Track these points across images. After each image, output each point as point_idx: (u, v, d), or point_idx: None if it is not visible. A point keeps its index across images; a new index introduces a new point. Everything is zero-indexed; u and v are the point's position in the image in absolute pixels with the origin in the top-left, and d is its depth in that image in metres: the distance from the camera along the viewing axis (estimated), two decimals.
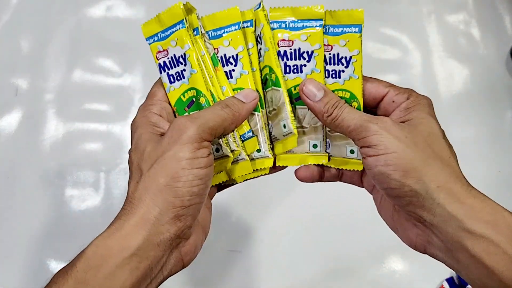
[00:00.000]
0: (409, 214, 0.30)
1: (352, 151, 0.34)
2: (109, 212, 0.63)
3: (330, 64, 0.35)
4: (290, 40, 0.34)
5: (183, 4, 0.35)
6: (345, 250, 0.64)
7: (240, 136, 0.34)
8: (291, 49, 0.34)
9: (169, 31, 0.34)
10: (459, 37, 0.78)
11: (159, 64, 0.34)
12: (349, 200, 0.66)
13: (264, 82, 0.35)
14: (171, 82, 0.34)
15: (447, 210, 0.28)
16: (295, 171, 0.36)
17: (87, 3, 0.75)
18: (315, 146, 0.36)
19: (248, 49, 0.35)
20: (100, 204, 0.63)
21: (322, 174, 0.37)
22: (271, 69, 0.34)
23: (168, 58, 0.34)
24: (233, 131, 0.33)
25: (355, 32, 0.34)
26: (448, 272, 0.63)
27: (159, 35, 0.35)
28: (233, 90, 0.35)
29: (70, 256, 0.65)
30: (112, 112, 0.69)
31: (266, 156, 0.35)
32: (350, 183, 0.37)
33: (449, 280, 0.62)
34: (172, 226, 0.28)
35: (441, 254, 0.29)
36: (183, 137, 0.29)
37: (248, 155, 0.34)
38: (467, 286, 0.61)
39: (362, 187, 0.37)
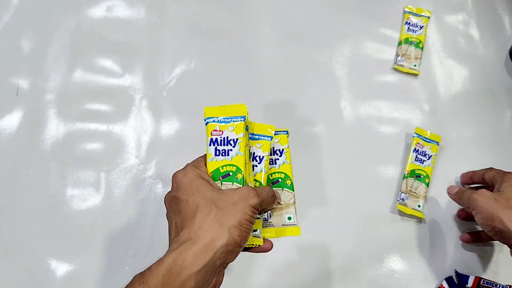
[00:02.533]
0: (505, 243, 0.51)
1: (289, 218, 0.49)
2: (110, 212, 0.63)
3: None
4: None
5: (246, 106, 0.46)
6: (344, 249, 0.64)
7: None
8: (221, 137, 0.44)
9: (231, 119, 0.45)
10: (459, 37, 0.78)
11: (211, 139, 0.45)
12: (349, 200, 0.67)
13: (273, 182, 0.50)
14: (216, 155, 0.44)
15: None
16: (461, 237, 0.64)
17: (88, 4, 0.75)
18: (289, 218, 0.50)
19: (263, 154, 0.47)
20: (100, 204, 0.63)
21: (480, 237, 0.64)
22: (286, 175, 0.48)
23: (221, 137, 0.44)
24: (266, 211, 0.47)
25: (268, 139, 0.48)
26: (448, 272, 0.64)
27: (220, 119, 0.45)
28: (254, 180, 0.47)
29: (70, 256, 0.65)
30: (112, 112, 0.69)
31: (259, 237, 0.45)
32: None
33: (449, 280, 0.62)
34: (226, 256, 0.38)
35: None
36: (250, 201, 0.40)
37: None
38: (467, 286, 0.61)
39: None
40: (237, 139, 0.44)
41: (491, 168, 0.60)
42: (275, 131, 0.50)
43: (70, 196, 0.63)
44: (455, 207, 0.67)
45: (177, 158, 0.67)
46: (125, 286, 0.36)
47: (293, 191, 0.50)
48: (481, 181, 0.61)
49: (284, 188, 0.50)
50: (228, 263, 0.39)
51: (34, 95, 0.69)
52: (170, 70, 0.72)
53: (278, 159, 0.50)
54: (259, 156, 0.48)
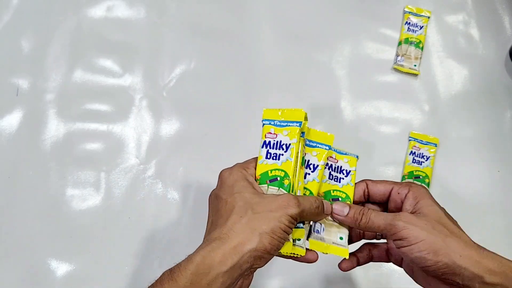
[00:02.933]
0: (445, 280, 0.39)
1: (341, 238, 0.44)
2: (110, 212, 0.63)
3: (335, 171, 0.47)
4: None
5: (305, 112, 0.45)
6: None
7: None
8: (274, 140, 0.44)
9: (287, 123, 0.44)
10: (458, 37, 0.78)
11: (265, 141, 0.44)
12: None
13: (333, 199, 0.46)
14: (266, 158, 0.43)
15: (471, 271, 0.37)
16: (339, 265, 0.46)
17: (88, 4, 0.75)
18: (341, 238, 0.44)
19: (318, 163, 0.45)
20: (100, 204, 0.63)
21: (358, 261, 0.47)
22: (347, 196, 0.45)
23: (274, 140, 0.44)
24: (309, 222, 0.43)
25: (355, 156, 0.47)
26: None
27: (276, 122, 0.45)
28: (304, 188, 0.44)
29: (70, 256, 0.65)
30: (112, 112, 0.69)
31: (302, 247, 0.42)
32: (380, 261, 0.48)
33: None
34: (254, 261, 0.37)
35: None
36: (289, 210, 0.38)
37: (292, 239, 0.42)
38: None
39: (390, 262, 0.47)
40: (289, 144, 0.43)
41: (369, 179, 0.46)
42: (346, 152, 0.48)
43: (70, 196, 0.63)
44: (455, 207, 0.67)
45: (177, 158, 0.67)
46: (154, 282, 0.37)
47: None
48: (363, 197, 0.46)
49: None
50: (256, 268, 0.39)
51: (34, 95, 0.69)
52: (170, 70, 0.72)
53: (309, 174, 0.46)
54: (313, 164, 0.46)
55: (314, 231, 0.44)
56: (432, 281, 0.41)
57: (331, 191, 0.44)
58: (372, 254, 0.47)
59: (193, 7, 0.76)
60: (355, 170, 0.45)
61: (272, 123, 0.45)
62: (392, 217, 0.40)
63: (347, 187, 0.44)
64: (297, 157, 0.43)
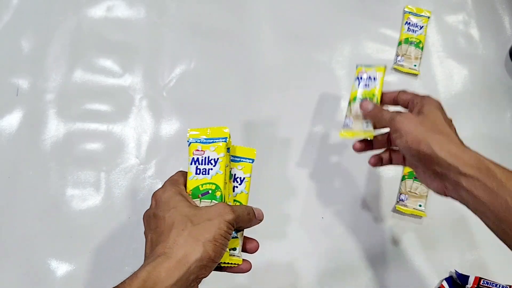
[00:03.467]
0: (428, 169, 0.45)
1: (367, 125, 0.53)
2: (110, 212, 0.63)
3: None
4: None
5: (228, 129, 0.48)
6: (344, 249, 0.64)
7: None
8: (202, 156, 0.46)
9: (213, 140, 0.47)
10: (459, 37, 0.78)
11: (193, 158, 0.46)
12: (349, 200, 0.67)
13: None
14: (196, 174, 0.45)
15: (447, 162, 0.42)
16: (353, 145, 0.55)
17: (88, 4, 0.75)
18: (367, 125, 0.54)
19: (244, 176, 0.49)
20: (100, 204, 0.63)
21: (381, 160, 0.54)
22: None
23: (202, 156, 0.46)
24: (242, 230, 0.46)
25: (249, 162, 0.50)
26: (448, 272, 0.64)
27: (202, 139, 0.47)
28: (234, 201, 0.48)
29: (70, 256, 0.65)
30: (112, 112, 0.69)
31: (238, 256, 0.46)
32: (397, 164, 0.54)
33: (449, 280, 0.62)
34: (200, 271, 0.38)
35: (453, 194, 0.45)
36: (225, 216, 0.41)
37: (229, 249, 0.45)
38: (467, 286, 0.61)
39: (405, 166, 0.54)
40: (217, 158, 0.46)
41: (403, 90, 0.53)
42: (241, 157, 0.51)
43: (70, 196, 0.63)
44: (456, 207, 0.67)
45: (177, 158, 0.67)
46: None
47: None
48: (392, 103, 0.55)
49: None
50: (202, 278, 0.39)
51: (34, 95, 0.69)
52: (170, 70, 0.72)
53: (236, 187, 0.50)
54: (240, 178, 0.50)
55: (344, 125, 0.54)
56: (428, 175, 0.46)
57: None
58: (392, 157, 0.54)
59: (193, 7, 0.76)
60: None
61: (198, 141, 0.47)
62: (395, 113, 0.48)
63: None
64: (225, 170, 0.46)
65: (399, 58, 0.74)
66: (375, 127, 0.54)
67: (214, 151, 0.46)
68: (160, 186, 0.64)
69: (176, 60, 0.73)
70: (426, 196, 0.66)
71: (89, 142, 0.67)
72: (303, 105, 0.71)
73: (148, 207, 0.44)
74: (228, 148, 0.48)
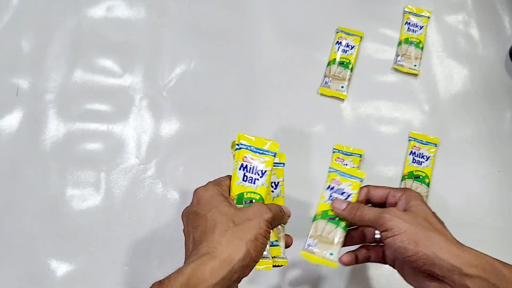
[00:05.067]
0: (426, 272, 0.41)
1: (331, 254, 0.47)
2: (110, 212, 0.63)
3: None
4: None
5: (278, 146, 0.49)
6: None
7: (270, 241, 0.48)
8: (251, 165, 0.47)
9: (263, 151, 0.48)
10: (458, 37, 0.78)
11: (242, 164, 0.47)
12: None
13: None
14: (243, 180, 0.47)
15: (450, 263, 0.40)
16: (340, 258, 0.49)
17: (88, 4, 0.75)
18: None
19: (278, 180, 0.52)
20: (100, 204, 0.63)
21: (357, 258, 0.50)
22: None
23: (251, 165, 0.47)
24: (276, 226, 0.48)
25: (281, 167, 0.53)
26: None
27: (253, 148, 0.48)
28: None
29: (70, 256, 0.65)
30: (112, 112, 0.69)
31: (283, 258, 0.49)
32: (377, 262, 0.51)
33: None
34: (242, 271, 0.39)
35: None
36: (264, 216, 0.42)
37: (272, 257, 0.47)
38: None
39: (386, 263, 0.50)
40: (265, 171, 0.47)
41: (371, 186, 0.50)
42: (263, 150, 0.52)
43: (70, 196, 0.63)
44: (456, 207, 0.67)
45: (177, 158, 0.67)
46: None
47: (284, 225, 0.52)
48: (365, 200, 0.49)
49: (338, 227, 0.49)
50: (243, 277, 0.40)
51: (34, 95, 0.69)
52: (170, 70, 0.72)
53: (272, 191, 0.52)
54: (274, 182, 0.52)
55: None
56: (419, 277, 0.43)
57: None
58: (369, 254, 0.50)
59: (193, 7, 0.76)
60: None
61: (249, 148, 0.48)
62: (381, 210, 0.44)
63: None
64: (269, 182, 0.48)
65: (399, 58, 0.74)
66: (354, 241, 0.50)
67: (263, 163, 0.47)
68: (160, 186, 0.65)
69: (176, 60, 0.73)
70: (426, 196, 0.66)
71: (89, 142, 0.67)
72: (303, 105, 0.71)
73: (189, 204, 0.45)
74: (281, 164, 0.50)
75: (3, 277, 0.59)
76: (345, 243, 0.49)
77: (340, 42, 0.74)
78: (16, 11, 0.73)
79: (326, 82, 0.71)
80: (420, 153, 0.68)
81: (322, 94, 0.71)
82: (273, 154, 0.48)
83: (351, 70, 0.73)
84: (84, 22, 0.73)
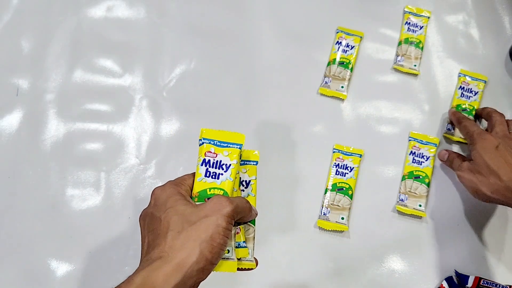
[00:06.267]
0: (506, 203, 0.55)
1: (342, 218, 0.55)
2: (110, 212, 0.63)
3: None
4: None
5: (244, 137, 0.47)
6: (344, 249, 0.64)
7: (236, 242, 0.45)
8: (214, 159, 0.45)
9: (227, 144, 0.45)
10: (458, 37, 0.78)
11: (204, 159, 0.45)
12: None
13: None
14: (205, 176, 0.44)
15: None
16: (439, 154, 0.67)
17: (88, 4, 0.75)
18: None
19: (250, 178, 0.48)
20: (100, 204, 0.63)
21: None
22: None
23: (214, 159, 0.44)
24: (245, 223, 0.45)
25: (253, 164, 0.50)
26: (448, 272, 0.64)
27: (216, 142, 0.45)
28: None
29: (70, 256, 0.65)
30: (112, 112, 0.69)
31: (251, 261, 0.46)
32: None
33: (449, 280, 0.62)
34: (198, 275, 0.36)
35: None
36: (223, 211, 0.38)
37: (237, 259, 0.44)
38: (467, 286, 0.61)
39: None
40: (230, 164, 0.44)
41: (484, 108, 0.66)
42: (244, 160, 0.50)
43: (70, 196, 0.64)
44: (456, 207, 0.67)
45: (177, 158, 0.67)
46: None
47: (255, 225, 0.49)
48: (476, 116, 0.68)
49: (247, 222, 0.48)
50: (200, 282, 0.38)
51: (34, 95, 0.69)
52: (170, 70, 0.72)
53: (243, 190, 0.50)
54: (246, 181, 0.49)
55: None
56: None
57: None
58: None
59: (193, 7, 0.76)
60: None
61: (212, 142, 0.45)
62: (480, 132, 0.59)
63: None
64: (235, 177, 0.45)
65: (399, 58, 0.74)
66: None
67: (227, 156, 0.45)
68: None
69: (176, 60, 0.73)
70: (426, 196, 0.66)
71: (89, 142, 0.67)
72: (303, 105, 0.71)
73: (147, 206, 0.43)
74: (240, 155, 0.46)
75: (3, 277, 0.59)
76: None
77: (340, 42, 0.74)
78: (16, 11, 0.73)
79: (326, 82, 0.72)
80: (420, 153, 0.68)
81: (322, 94, 0.71)
82: (238, 146, 0.45)
83: (351, 70, 0.73)
84: (84, 22, 0.73)
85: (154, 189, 0.43)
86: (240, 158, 0.46)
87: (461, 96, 0.72)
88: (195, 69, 0.72)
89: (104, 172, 0.65)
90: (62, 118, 0.68)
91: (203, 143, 0.45)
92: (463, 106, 0.71)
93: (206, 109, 0.70)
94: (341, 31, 0.75)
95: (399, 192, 0.66)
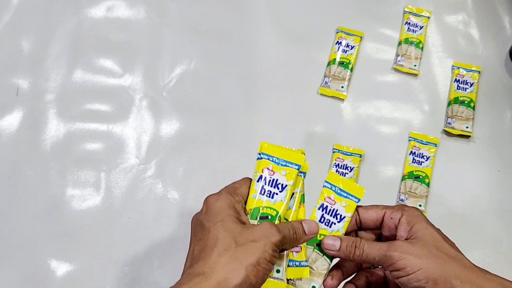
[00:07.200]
0: None
1: (313, 287, 0.43)
2: (110, 212, 0.63)
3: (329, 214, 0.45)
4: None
5: (303, 153, 0.44)
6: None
7: (296, 261, 0.43)
8: (271, 177, 0.43)
9: (286, 163, 0.43)
10: (459, 37, 0.78)
11: (261, 175, 0.43)
12: None
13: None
14: (260, 193, 0.42)
15: None
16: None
17: (88, 4, 0.75)
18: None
19: (294, 191, 0.44)
20: (100, 204, 0.63)
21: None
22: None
23: (271, 177, 0.43)
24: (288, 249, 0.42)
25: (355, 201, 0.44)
26: None
27: (274, 159, 0.43)
28: (285, 219, 0.43)
29: (70, 256, 0.65)
30: (112, 112, 0.69)
31: (281, 280, 0.41)
32: None
33: None
34: None
35: None
36: (272, 239, 0.37)
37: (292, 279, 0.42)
38: None
39: None
40: (286, 185, 0.43)
41: (362, 206, 0.45)
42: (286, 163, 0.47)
43: (70, 196, 0.63)
44: (456, 207, 0.67)
45: (177, 158, 0.67)
46: None
47: (331, 261, 0.44)
48: (355, 226, 0.45)
49: (324, 256, 0.44)
50: None
51: (34, 95, 0.69)
52: (170, 70, 0.72)
53: (277, 194, 0.45)
54: (282, 184, 0.45)
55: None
56: None
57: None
58: (370, 280, 0.45)
59: (193, 7, 0.76)
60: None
61: (271, 159, 0.43)
62: (386, 247, 0.39)
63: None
64: (290, 197, 0.43)
65: (399, 58, 0.74)
66: (348, 273, 0.45)
67: (284, 176, 0.43)
68: (160, 186, 0.65)
69: (176, 60, 0.73)
70: (426, 196, 0.66)
71: (89, 142, 0.67)
72: (303, 105, 0.71)
73: (199, 210, 0.42)
74: (303, 172, 0.44)
75: (3, 277, 0.59)
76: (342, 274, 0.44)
77: (340, 42, 0.74)
78: (16, 11, 0.73)
79: (326, 82, 0.72)
80: (420, 153, 0.68)
81: (322, 94, 0.71)
82: (297, 167, 0.43)
83: (351, 70, 0.73)
84: (84, 22, 0.73)
85: (208, 196, 0.42)
86: (298, 177, 0.44)
87: (457, 88, 0.72)
88: (195, 69, 0.72)
89: (104, 172, 0.65)
90: (62, 118, 0.68)
91: (261, 158, 0.44)
92: (461, 99, 0.71)
93: (206, 109, 0.70)
94: (341, 31, 0.75)
95: (399, 192, 0.66)
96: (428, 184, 0.66)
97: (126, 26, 0.74)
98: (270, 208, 0.42)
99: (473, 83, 0.72)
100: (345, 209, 0.44)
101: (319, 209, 0.45)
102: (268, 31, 0.75)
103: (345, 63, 0.73)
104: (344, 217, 0.44)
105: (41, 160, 0.65)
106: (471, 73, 0.73)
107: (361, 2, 0.79)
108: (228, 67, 0.73)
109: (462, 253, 0.40)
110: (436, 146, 0.68)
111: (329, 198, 0.45)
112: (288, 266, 0.43)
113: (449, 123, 0.70)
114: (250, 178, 0.44)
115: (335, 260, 0.45)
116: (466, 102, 0.71)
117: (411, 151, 0.68)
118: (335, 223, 0.44)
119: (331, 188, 0.45)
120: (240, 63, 0.73)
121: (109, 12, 0.75)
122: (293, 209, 0.44)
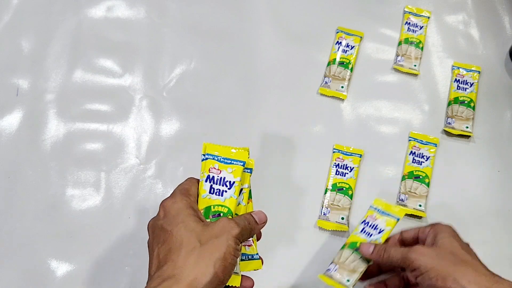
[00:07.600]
0: None
1: (348, 280, 0.49)
2: (110, 212, 0.63)
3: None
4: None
5: (248, 150, 0.46)
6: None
7: (249, 255, 0.46)
8: (218, 176, 0.44)
9: (231, 161, 0.45)
10: (459, 37, 0.78)
11: (208, 175, 0.44)
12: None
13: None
14: (210, 192, 0.44)
15: None
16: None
17: (88, 4, 0.75)
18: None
19: (242, 187, 0.46)
20: (100, 204, 0.63)
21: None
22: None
23: (218, 176, 0.44)
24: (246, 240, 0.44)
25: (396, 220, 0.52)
26: None
27: (220, 158, 0.45)
28: (236, 215, 0.45)
29: (70, 256, 0.65)
30: (112, 112, 0.69)
31: (236, 273, 0.43)
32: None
33: None
34: None
35: None
36: (232, 232, 0.39)
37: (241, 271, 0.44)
38: None
39: None
40: (234, 182, 0.44)
41: (404, 230, 0.52)
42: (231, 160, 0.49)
43: (70, 196, 0.64)
44: (456, 207, 0.67)
45: (177, 158, 0.67)
46: None
47: (367, 263, 0.50)
48: (399, 244, 0.52)
49: (361, 258, 0.51)
50: None
51: (34, 95, 0.69)
52: (170, 70, 0.72)
53: (226, 191, 0.47)
54: (229, 181, 0.47)
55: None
56: None
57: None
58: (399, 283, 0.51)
59: (193, 7, 0.76)
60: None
61: (216, 158, 0.45)
62: (407, 250, 0.45)
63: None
64: (239, 193, 0.45)
65: (399, 58, 0.74)
66: (369, 275, 0.52)
67: (231, 173, 0.44)
68: (160, 186, 0.65)
69: (176, 60, 0.73)
70: (426, 196, 0.66)
71: (89, 142, 0.67)
72: (303, 105, 0.71)
73: (156, 215, 0.43)
74: (250, 169, 0.46)
75: (3, 277, 0.59)
76: (366, 275, 0.51)
77: (340, 42, 0.74)
78: (16, 11, 0.73)
79: (326, 82, 0.72)
80: (420, 153, 0.68)
81: (322, 94, 0.71)
82: (242, 163, 0.45)
83: (351, 70, 0.73)
84: (84, 22, 0.74)
85: (163, 201, 0.43)
86: (244, 173, 0.46)
87: (457, 88, 0.72)
88: (195, 69, 0.72)
89: (104, 172, 0.65)
90: (62, 118, 0.68)
91: (206, 158, 0.45)
92: (461, 99, 0.71)
93: (206, 109, 0.70)
94: (341, 31, 0.75)
95: (399, 192, 0.66)
96: (428, 184, 0.66)
97: (126, 26, 0.74)
98: (221, 205, 0.43)
99: (473, 83, 0.72)
100: (385, 223, 0.51)
101: (361, 223, 0.53)
102: (268, 31, 0.75)
103: (345, 63, 0.73)
104: (383, 230, 0.50)
105: (41, 160, 0.65)
106: (471, 73, 0.73)
107: (361, 2, 0.79)
108: (228, 67, 0.73)
109: (479, 261, 0.44)
110: (436, 146, 0.68)
111: (371, 216, 0.53)
112: (242, 260, 0.45)
113: (449, 123, 0.70)
114: (195, 179, 0.45)
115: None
116: (466, 102, 0.71)
117: (411, 151, 0.68)
118: (374, 234, 0.51)
119: (375, 209, 0.53)
120: (240, 63, 0.73)
121: (109, 12, 0.75)
122: (242, 204, 0.46)
